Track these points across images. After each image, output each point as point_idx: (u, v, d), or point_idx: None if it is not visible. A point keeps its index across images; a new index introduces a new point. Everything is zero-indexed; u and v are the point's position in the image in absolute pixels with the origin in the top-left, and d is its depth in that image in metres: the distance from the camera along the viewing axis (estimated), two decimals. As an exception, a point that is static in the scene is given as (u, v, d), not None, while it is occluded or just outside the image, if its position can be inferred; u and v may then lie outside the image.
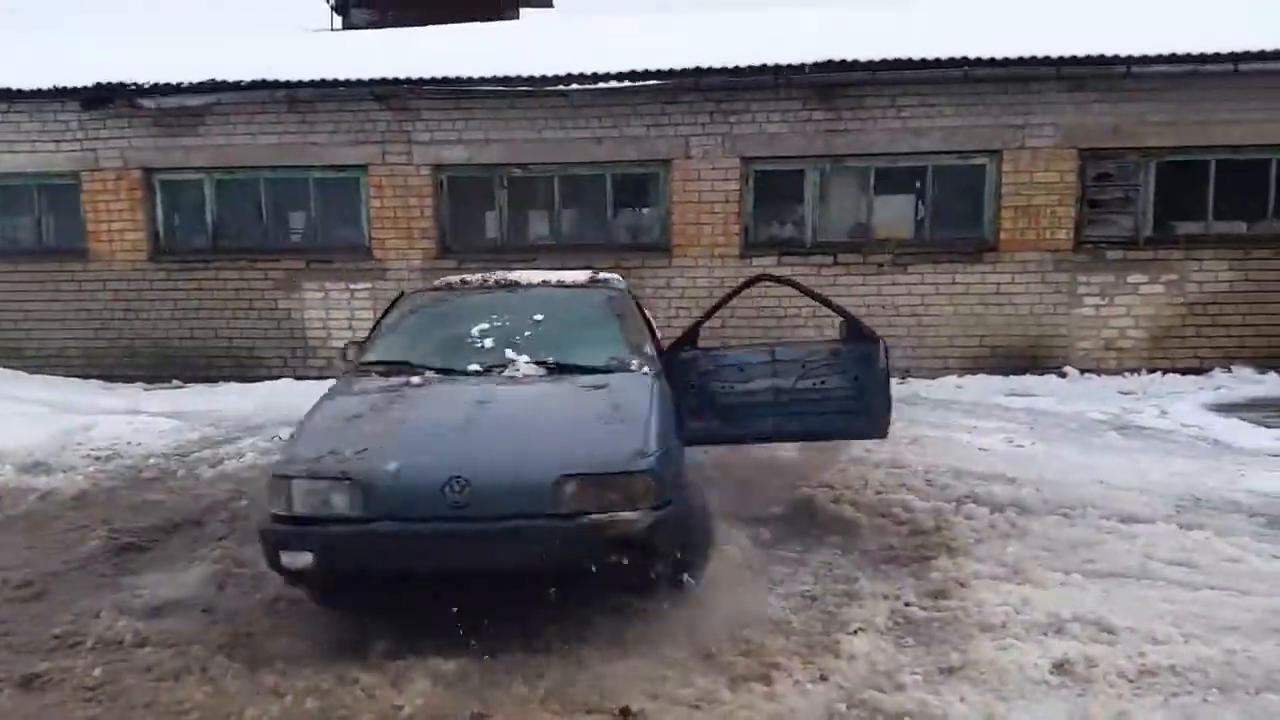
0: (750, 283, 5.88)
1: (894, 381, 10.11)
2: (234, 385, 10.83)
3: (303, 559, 3.95)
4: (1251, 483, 6.36)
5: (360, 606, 4.28)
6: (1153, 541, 5.24)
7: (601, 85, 10.31)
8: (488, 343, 5.19)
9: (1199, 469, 6.72)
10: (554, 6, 20.07)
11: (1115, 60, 9.73)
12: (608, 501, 3.94)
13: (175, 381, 11.25)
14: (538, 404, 4.60)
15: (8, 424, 8.32)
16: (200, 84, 10.64)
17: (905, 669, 3.85)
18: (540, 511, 3.91)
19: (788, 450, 6.90)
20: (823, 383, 5.52)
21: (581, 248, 10.98)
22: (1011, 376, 10.25)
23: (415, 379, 4.86)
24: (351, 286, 11.21)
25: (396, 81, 10.49)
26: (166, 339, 11.46)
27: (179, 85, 10.67)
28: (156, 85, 10.70)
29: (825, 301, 5.91)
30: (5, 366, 11.25)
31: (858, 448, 7.00)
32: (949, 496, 6.07)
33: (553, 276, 5.89)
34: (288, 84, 10.62)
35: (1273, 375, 9.91)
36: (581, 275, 6.03)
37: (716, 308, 5.90)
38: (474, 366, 5.00)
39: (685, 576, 4.38)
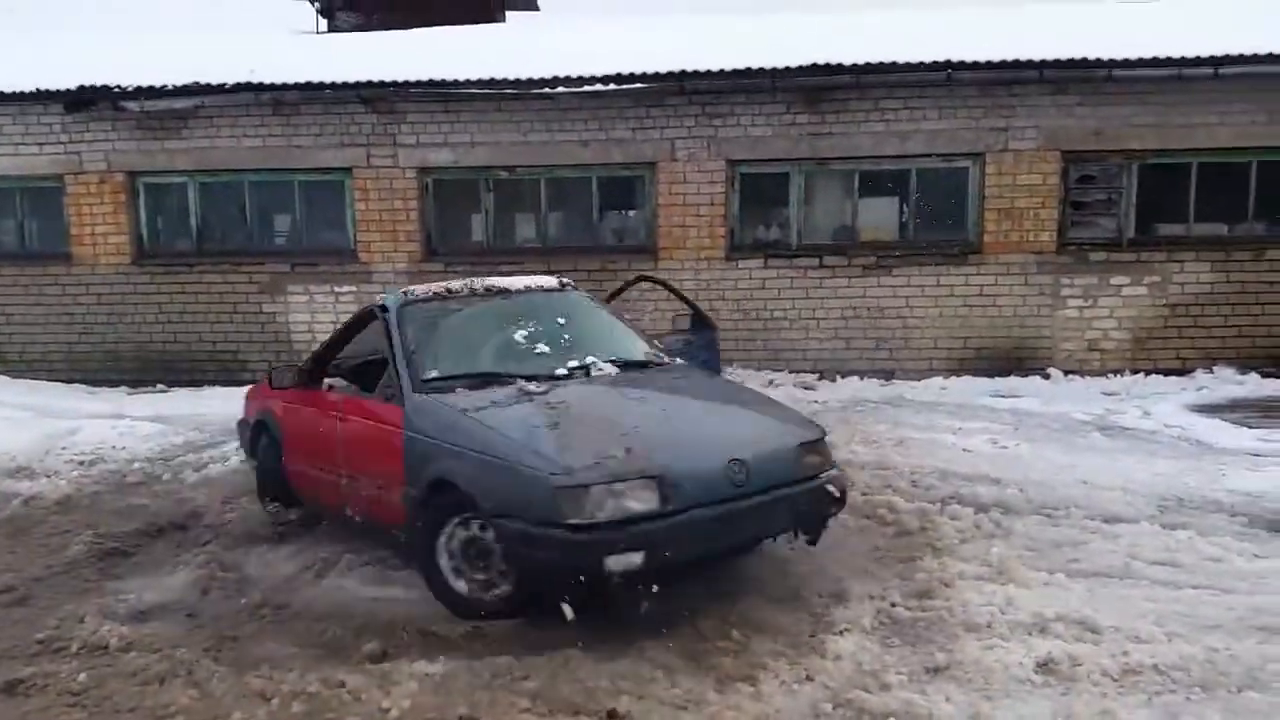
0: (630, 284, 7.71)
1: (878, 383, 10.34)
2: (218, 389, 10.74)
3: (632, 560, 3.98)
4: (1233, 483, 6.41)
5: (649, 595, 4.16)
6: (1136, 541, 5.28)
7: (587, 88, 10.32)
8: (543, 347, 5.25)
9: (1181, 469, 6.77)
10: (540, 9, 20.09)
11: (1097, 64, 9.80)
12: (818, 464, 4.66)
13: (159, 386, 11.19)
14: (674, 396, 5.02)
15: (-10, 429, 8.27)
16: (184, 87, 10.60)
17: (891, 669, 3.87)
18: (791, 479, 4.49)
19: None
20: None
21: (568, 250, 10.99)
22: (996, 378, 10.29)
23: (533, 386, 4.83)
24: (336, 290, 11.18)
25: (382, 84, 10.48)
26: (150, 343, 11.40)
27: (163, 88, 10.63)
28: (140, 88, 10.66)
29: (681, 297, 7.55)
30: (-13, 371, 11.18)
31: (844, 450, 7.04)
32: (934, 497, 6.10)
33: (522, 282, 5.84)
34: (272, 86, 10.59)
35: (1254, 376, 9.98)
36: (549, 280, 6.04)
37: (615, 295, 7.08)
38: (561, 370, 5.07)
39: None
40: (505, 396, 4.75)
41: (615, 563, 3.96)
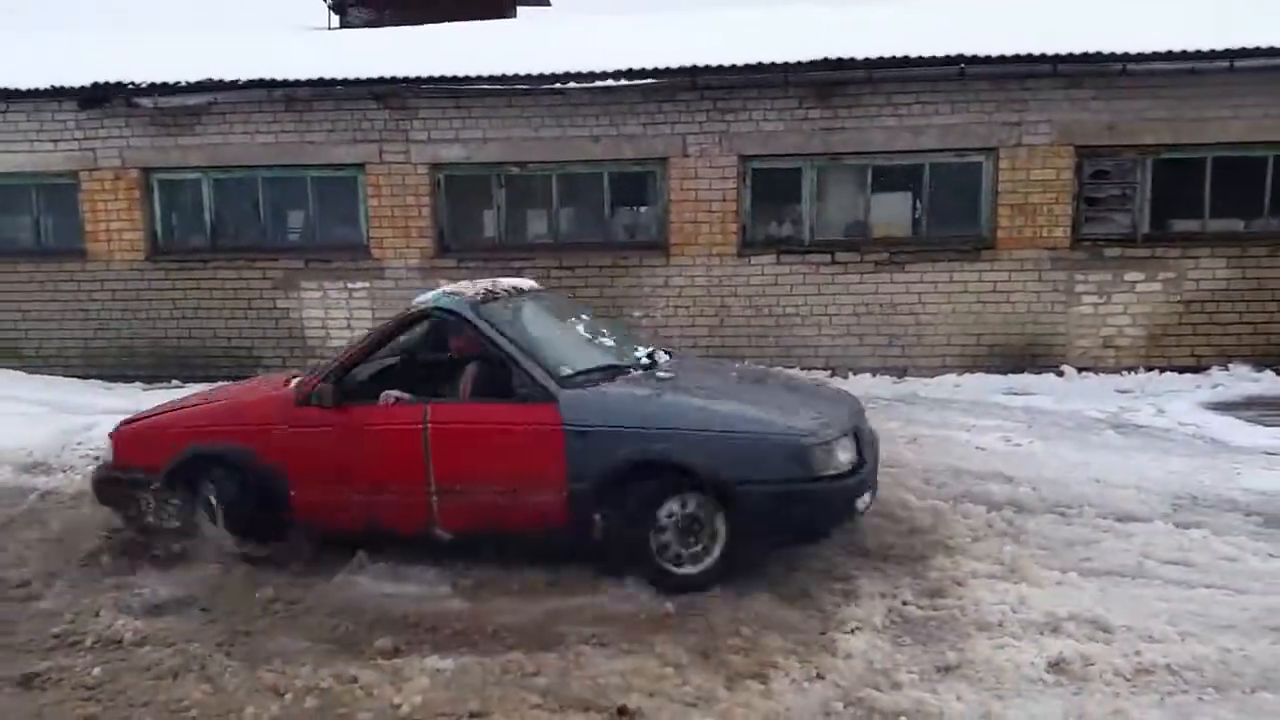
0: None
1: (890, 380, 10.31)
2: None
3: (866, 499, 4.96)
4: (1248, 481, 6.38)
5: None
6: (1149, 540, 5.27)
7: (599, 84, 10.31)
8: (607, 341, 5.77)
9: (1196, 467, 6.74)
10: (551, 5, 20.07)
11: (1111, 57, 9.74)
12: None
13: (174, 381, 11.23)
14: (741, 378, 5.95)
15: (7, 424, 8.34)
16: (198, 83, 10.64)
17: (902, 667, 3.87)
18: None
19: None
20: None
21: (579, 246, 10.99)
22: (1009, 375, 10.25)
23: (655, 373, 5.41)
24: (349, 286, 11.21)
25: (394, 80, 10.49)
26: (165, 339, 11.46)
27: (176, 84, 10.67)
28: (154, 84, 10.70)
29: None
30: (4, 367, 11.26)
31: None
32: (946, 495, 6.09)
33: (516, 283, 5.97)
34: (285, 83, 10.61)
35: (1269, 374, 9.91)
36: (527, 282, 6.21)
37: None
38: (643, 359, 5.64)
39: None
40: (657, 382, 5.23)
41: (861, 503, 4.89)
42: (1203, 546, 5.16)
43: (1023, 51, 9.77)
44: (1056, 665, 3.83)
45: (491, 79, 10.37)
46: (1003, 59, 9.80)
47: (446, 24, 12.99)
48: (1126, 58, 9.73)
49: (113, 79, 10.72)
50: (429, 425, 5.01)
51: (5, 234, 11.86)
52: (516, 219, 11.34)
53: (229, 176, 11.31)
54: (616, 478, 4.76)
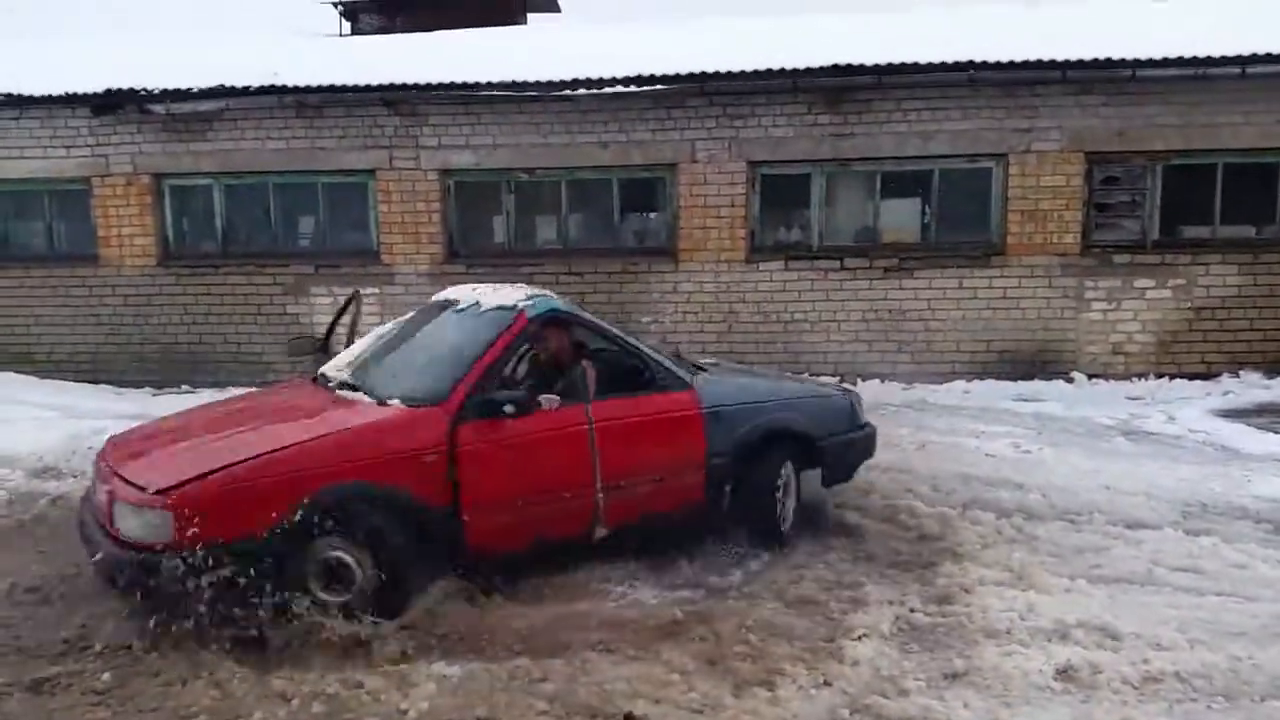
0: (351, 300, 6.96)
1: (899, 386, 10.29)
2: (243, 390, 10.85)
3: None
4: (1259, 488, 6.37)
5: None
6: (1159, 547, 5.25)
7: (608, 90, 10.34)
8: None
9: (1206, 474, 6.72)
10: (561, 11, 20.13)
11: (1121, 63, 9.72)
12: None
13: (185, 386, 11.29)
14: (757, 372, 7.29)
15: (18, 429, 8.37)
16: (209, 89, 10.70)
17: (909, 675, 3.86)
18: None
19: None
20: None
21: (589, 252, 11.01)
22: (1019, 381, 10.24)
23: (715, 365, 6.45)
24: (360, 292, 11.21)
25: (404, 87, 10.54)
26: (176, 344, 11.51)
27: (188, 90, 10.73)
28: (166, 91, 10.77)
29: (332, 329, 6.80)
30: (16, 371, 11.30)
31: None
32: (955, 502, 6.08)
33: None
34: (296, 89, 10.68)
35: (1281, 380, 9.88)
36: (534, 289, 6.30)
37: (342, 312, 6.76)
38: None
39: None
40: (734, 370, 6.74)
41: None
42: (1213, 554, 5.14)
43: (1032, 58, 9.78)
44: (1065, 673, 3.81)
45: (502, 85, 10.41)
46: (1012, 65, 9.80)
47: (457, 30, 13.05)
48: (1136, 64, 9.72)
49: (125, 85, 10.79)
50: (594, 424, 4.92)
51: (18, 239, 11.94)
52: (526, 225, 11.37)
53: (240, 182, 11.37)
54: (747, 451, 5.34)
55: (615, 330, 5.41)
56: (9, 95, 10.99)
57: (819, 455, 5.68)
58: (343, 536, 4.19)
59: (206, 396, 10.70)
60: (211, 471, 4.10)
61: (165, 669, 4.00)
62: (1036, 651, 3.98)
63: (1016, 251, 10.47)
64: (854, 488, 6.31)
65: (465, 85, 10.47)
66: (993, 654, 3.98)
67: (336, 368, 5.51)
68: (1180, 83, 9.97)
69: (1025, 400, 9.63)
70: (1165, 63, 9.71)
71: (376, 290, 11.15)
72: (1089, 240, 10.45)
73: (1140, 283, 10.39)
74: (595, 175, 10.99)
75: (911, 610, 4.48)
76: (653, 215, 11.33)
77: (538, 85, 10.36)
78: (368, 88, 10.60)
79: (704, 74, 10.14)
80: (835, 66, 9.95)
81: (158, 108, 10.98)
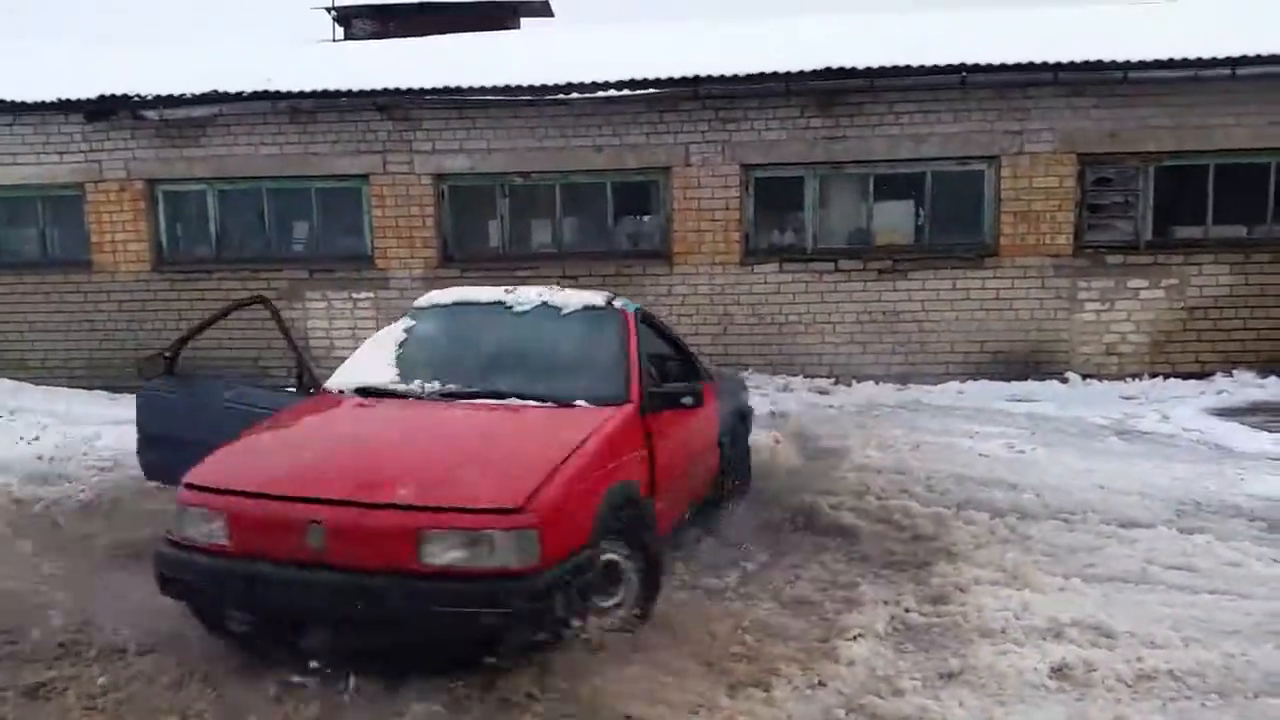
0: (242, 304, 6.90)
1: (894, 387, 10.31)
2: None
3: None
4: (1252, 487, 6.39)
5: None
6: (1153, 546, 5.26)
7: (601, 94, 10.36)
8: None
9: (1200, 473, 6.74)
10: (554, 16, 20.12)
11: (1112, 65, 9.76)
12: None
13: (179, 391, 11.26)
14: None
15: (12, 435, 8.36)
16: (203, 95, 10.70)
17: (904, 674, 3.87)
18: None
19: (790, 458, 6.96)
20: None
21: (583, 255, 11.02)
22: (1013, 382, 10.26)
23: None
24: (354, 296, 11.25)
25: (398, 92, 10.55)
26: (170, 349, 11.47)
27: (181, 97, 10.74)
28: (159, 97, 10.77)
29: (289, 340, 6.75)
30: (9, 378, 11.27)
31: (859, 455, 7.06)
32: (949, 502, 6.10)
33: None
34: (289, 94, 10.67)
35: (1274, 379, 9.90)
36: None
37: (205, 326, 6.54)
38: None
39: None
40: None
41: None
42: (1206, 552, 5.16)
43: (1024, 60, 9.81)
44: (1059, 671, 3.82)
45: (495, 90, 10.42)
46: (1004, 67, 9.83)
47: (450, 35, 13.06)
48: (1128, 65, 9.75)
49: (118, 91, 10.79)
50: (689, 415, 5.20)
51: (11, 245, 11.93)
52: (520, 229, 11.38)
53: (233, 188, 11.37)
54: (730, 428, 6.18)
55: (670, 332, 5.97)
56: (2, 101, 10.99)
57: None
58: (614, 538, 4.05)
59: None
60: (548, 477, 3.72)
61: (160, 673, 4.00)
62: (1031, 650, 3.99)
63: (1010, 253, 10.50)
64: (849, 488, 6.34)
65: (459, 90, 10.48)
66: (988, 653, 3.99)
67: (372, 380, 4.91)
68: (1172, 84, 10.01)
69: (1019, 400, 9.65)
70: (1157, 64, 9.75)
71: (371, 295, 11.16)
72: (1082, 241, 10.48)
73: (1133, 283, 10.43)
74: (589, 179, 11.00)
75: (906, 610, 4.49)
76: (647, 218, 11.34)
77: (531, 89, 10.37)
78: (361, 93, 10.59)
79: (697, 77, 10.16)
80: (827, 69, 9.98)
81: (151, 113, 10.97)
